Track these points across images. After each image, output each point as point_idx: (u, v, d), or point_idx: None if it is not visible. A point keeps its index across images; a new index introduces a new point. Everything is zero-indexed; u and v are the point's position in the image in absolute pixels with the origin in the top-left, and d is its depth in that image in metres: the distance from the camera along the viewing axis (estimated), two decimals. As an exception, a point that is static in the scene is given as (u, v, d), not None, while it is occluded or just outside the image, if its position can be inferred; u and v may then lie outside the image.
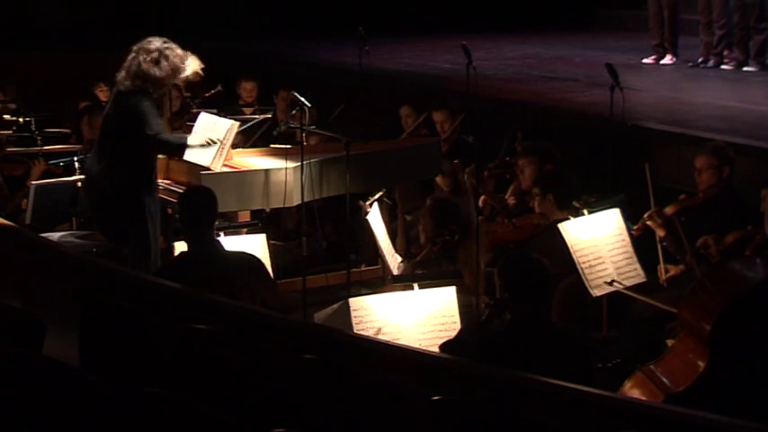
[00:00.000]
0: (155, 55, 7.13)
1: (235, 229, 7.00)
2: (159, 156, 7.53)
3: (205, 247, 5.70)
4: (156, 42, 7.20)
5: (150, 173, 7.22)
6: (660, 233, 6.79)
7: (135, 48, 7.19)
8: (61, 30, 13.36)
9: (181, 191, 7.50)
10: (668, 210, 6.87)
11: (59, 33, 13.21)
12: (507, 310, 4.89)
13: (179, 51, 7.23)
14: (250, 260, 5.82)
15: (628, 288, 6.46)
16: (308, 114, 7.88)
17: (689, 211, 6.87)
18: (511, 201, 7.96)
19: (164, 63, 7.13)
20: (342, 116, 10.02)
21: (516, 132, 8.76)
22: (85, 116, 9.44)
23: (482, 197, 8.15)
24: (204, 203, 5.83)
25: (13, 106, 10.51)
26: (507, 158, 8.60)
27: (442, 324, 5.35)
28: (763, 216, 6.34)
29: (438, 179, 8.86)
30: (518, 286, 4.83)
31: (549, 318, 5.17)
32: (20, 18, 14.05)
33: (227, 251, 5.81)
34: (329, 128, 9.60)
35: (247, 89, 10.89)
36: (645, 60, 12.22)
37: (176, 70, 7.20)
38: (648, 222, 6.78)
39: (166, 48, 7.18)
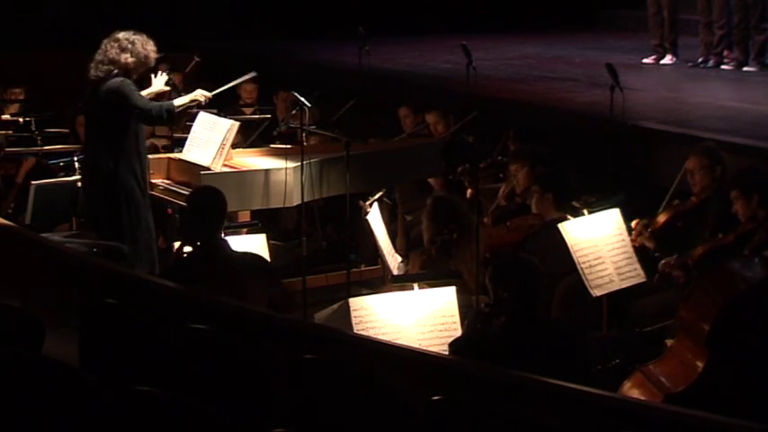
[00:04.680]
0: (123, 43, 7.25)
1: (235, 229, 7.00)
2: (160, 155, 7.53)
3: (213, 248, 5.69)
4: (123, 33, 7.32)
5: (138, 157, 7.25)
6: (649, 245, 6.81)
7: (104, 41, 7.28)
8: (61, 30, 13.37)
9: (181, 191, 7.51)
10: (661, 217, 6.88)
11: (59, 33, 13.21)
12: (503, 312, 4.93)
13: (148, 42, 7.31)
14: (259, 260, 5.83)
15: None
16: (307, 114, 7.89)
17: (685, 215, 6.88)
18: (502, 202, 7.96)
19: (131, 50, 7.21)
20: (351, 112, 9.99)
21: (508, 132, 8.75)
22: (79, 116, 9.44)
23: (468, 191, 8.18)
24: (213, 204, 5.82)
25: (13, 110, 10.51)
26: (499, 158, 8.59)
27: (442, 324, 5.35)
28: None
29: (431, 180, 8.86)
30: (513, 287, 4.87)
31: (542, 314, 5.21)
32: (21, 18, 14.05)
33: (235, 252, 5.81)
34: (337, 123, 9.60)
35: (248, 90, 10.89)
36: (645, 60, 12.21)
37: (145, 57, 7.29)
38: (639, 239, 6.81)
39: (134, 36, 7.28)
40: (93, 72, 7.27)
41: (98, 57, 7.28)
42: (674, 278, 6.54)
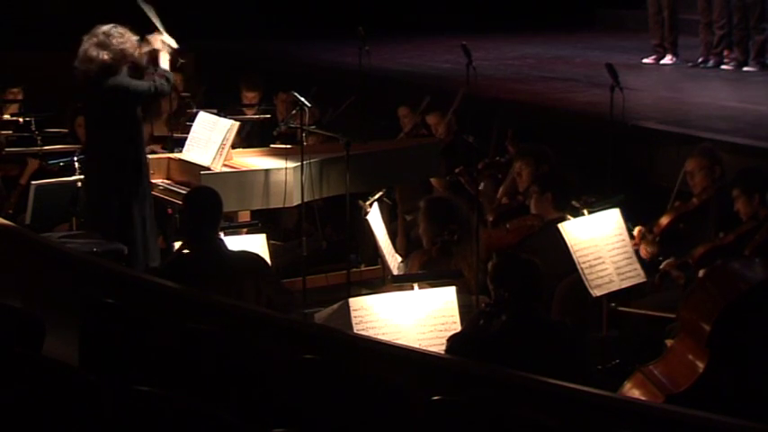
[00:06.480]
0: (100, 38, 7.15)
1: (235, 229, 6.99)
2: (159, 155, 7.51)
3: (209, 248, 5.68)
4: (101, 27, 7.21)
5: (138, 157, 7.24)
6: (652, 250, 6.81)
7: (84, 37, 7.21)
8: (62, 29, 13.37)
9: (181, 191, 7.51)
10: (664, 219, 6.89)
11: (60, 33, 13.21)
12: (504, 311, 4.93)
13: (128, 35, 7.22)
14: (254, 259, 5.82)
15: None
16: (307, 114, 7.88)
17: (686, 217, 6.89)
18: (504, 201, 7.95)
19: (109, 46, 7.13)
20: (350, 109, 9.99)
21: (507, 131, 8.75)
22: (78, 117, 9.43)
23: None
24: (209, 204, 5.82)
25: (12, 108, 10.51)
26: (498, 158, 8.59)
27: (442, 324, 5.35)
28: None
29: (433, 180, 8.85)
30: (514, 287, 4.87)
31: (543, 314, 5.21)
32: (20, 18, 14.05)
33: (231, 251, 5.80)
34: (336, 120, 9.59)
35: (249, 97, 10.88)
36: (645, 60, 12.21)
37: (123, 52, 7.19)
38: (643, 244, 6.81)
39: (112, 30, 7.18)
40: (78, 72, 7.20)
41: (79, 53, 7.18)
42: (675, 278, 6.55)
